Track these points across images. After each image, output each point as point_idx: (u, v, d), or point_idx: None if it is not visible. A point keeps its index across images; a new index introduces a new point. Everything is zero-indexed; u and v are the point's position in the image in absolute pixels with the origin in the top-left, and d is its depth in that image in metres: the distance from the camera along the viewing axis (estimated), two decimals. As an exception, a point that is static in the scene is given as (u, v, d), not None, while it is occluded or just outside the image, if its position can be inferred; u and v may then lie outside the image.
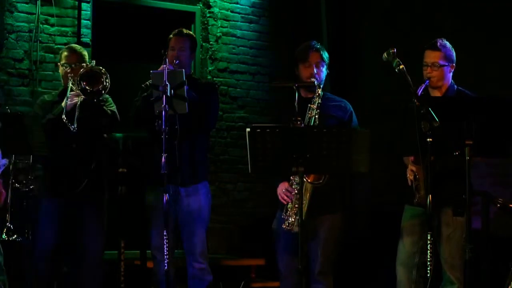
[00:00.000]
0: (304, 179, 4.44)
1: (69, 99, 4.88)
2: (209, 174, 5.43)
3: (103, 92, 4.89)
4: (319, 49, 4.74)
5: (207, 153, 5.37)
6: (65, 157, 4.98)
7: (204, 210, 5.03)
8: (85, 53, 5.20)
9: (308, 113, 4.63)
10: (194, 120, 4.83)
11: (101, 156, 5.08)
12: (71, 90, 4.94)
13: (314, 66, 4.69)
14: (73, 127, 4.79)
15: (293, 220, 4.54)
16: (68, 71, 5.05)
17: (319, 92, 4.65)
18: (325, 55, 4.77)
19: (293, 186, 4.56)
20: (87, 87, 4.86)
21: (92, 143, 5.00)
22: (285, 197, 4.59)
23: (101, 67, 4.92)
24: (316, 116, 4.61)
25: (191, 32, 5.28)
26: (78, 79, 4.84)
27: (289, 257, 4.63)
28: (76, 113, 4.84)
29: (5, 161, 4.16)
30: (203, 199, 5.04)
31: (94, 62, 5.06)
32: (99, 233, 5.11)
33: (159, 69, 4.69)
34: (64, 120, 4.77)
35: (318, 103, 4.63)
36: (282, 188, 4.62)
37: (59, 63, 5.23)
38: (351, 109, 4.82)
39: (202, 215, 5.01)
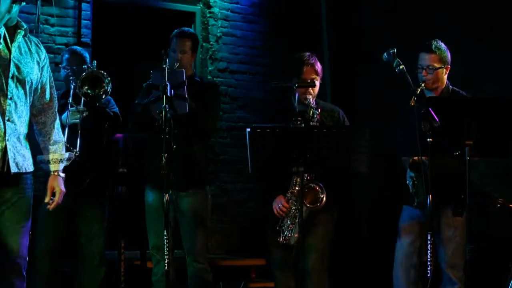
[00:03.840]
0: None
1: (69, 117, 4.86)
2: (208, 174, 5.42)
3: (104, 96, 4.89)
4: (313, 64, 4.73)
5: (207, 153, 5.36)
6: None
7: (204, 211, 5.03)
8: (86, 54, 5.19)
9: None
10: (194, 122, 4.83)
11: (102, 157, 5.08)
12: (74, 96, 4.92)
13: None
14: (76, 151, 4.76)
15: (289, 235, 4.63)
16: (70, 74, 5.05)
17: (318, 111, 4.64)
18: (319, 67, 4.76)
19: (289, 202, 4.63)
20: (89, 91, 4.86)
21: (94, 145, 4.99)
22: (281, 213, 4.65)
23: (102, 71, 4.91)
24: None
25: (192, 31, 5.28)
26: (80, 83, 4.84)
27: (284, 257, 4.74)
28: (79, 137, 4.81)
29: (70, 154, 4.12)
30: (203, 199, 5.04)
31: (95, 62, 5.05)
32: (100, 234, 5.12)
33: (159, 69, 4.69)
34: (66, 145, 4.69)
35: (316, 118, 4.63)
36: (278, 202, 4.66)
37: (60, 65, 5.23)
38: (343, 115, 4.86)
39: (202, 216, 5.01)
